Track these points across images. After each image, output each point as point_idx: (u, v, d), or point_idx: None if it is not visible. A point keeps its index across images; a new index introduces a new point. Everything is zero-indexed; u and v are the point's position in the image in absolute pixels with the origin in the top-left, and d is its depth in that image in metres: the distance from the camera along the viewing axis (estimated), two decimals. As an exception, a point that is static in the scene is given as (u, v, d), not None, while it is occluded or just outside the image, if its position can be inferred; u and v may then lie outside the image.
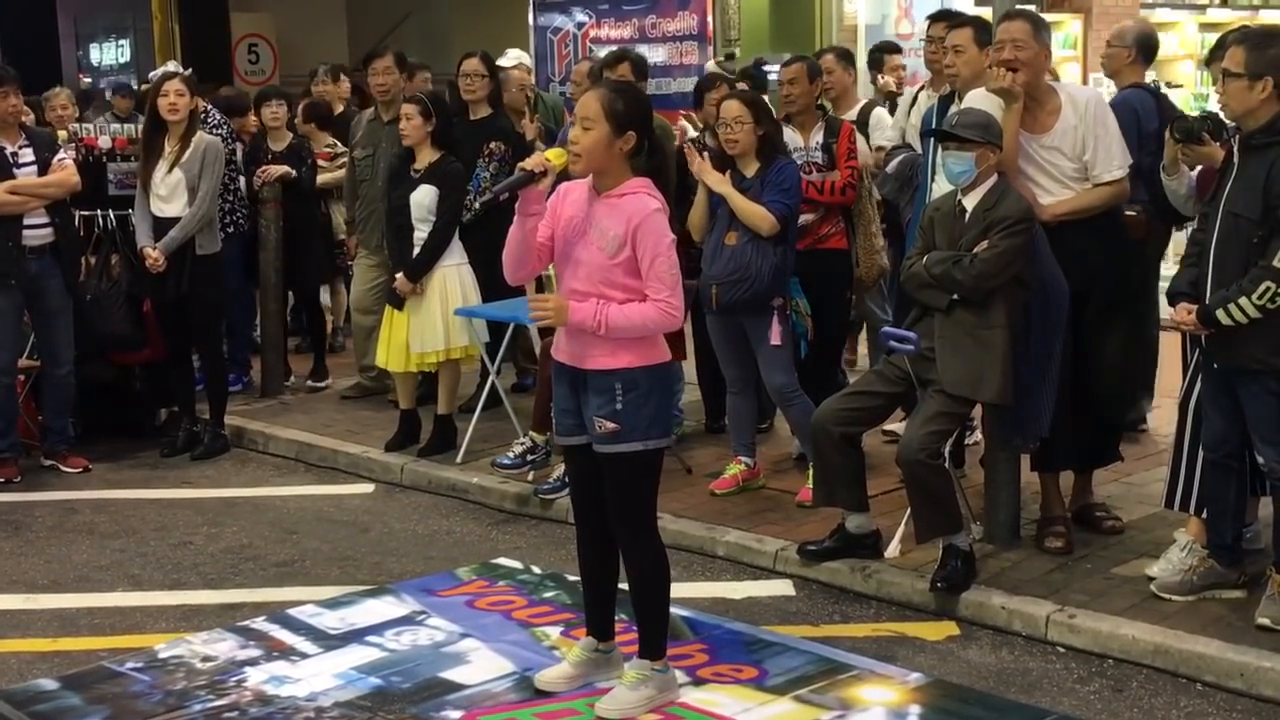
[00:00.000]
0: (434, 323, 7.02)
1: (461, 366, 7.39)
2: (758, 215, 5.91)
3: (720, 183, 6.00)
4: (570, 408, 4.39)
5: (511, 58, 9.18)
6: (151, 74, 8.76)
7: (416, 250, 7.04)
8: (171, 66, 8.46)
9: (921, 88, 6.95)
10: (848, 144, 6.48)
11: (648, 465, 4.33)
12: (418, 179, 7.06)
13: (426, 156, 7.09)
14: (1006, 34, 5.34)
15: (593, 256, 4.22)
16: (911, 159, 6.57)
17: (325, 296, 9.69)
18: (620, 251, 4.17)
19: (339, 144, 9.06)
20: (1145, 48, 6.83)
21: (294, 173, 8.52)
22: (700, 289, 6.11)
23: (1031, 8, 8.26)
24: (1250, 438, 4.76)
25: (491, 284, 7.73)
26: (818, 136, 6.51)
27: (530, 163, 4.23)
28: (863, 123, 7.52)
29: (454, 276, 7.06)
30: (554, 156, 4.24)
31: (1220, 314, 4.59)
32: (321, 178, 8.89)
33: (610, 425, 4.24)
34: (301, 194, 8.65)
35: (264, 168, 8.49)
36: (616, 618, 4.65)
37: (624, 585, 4.54)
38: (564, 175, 4.38)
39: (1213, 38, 7.66)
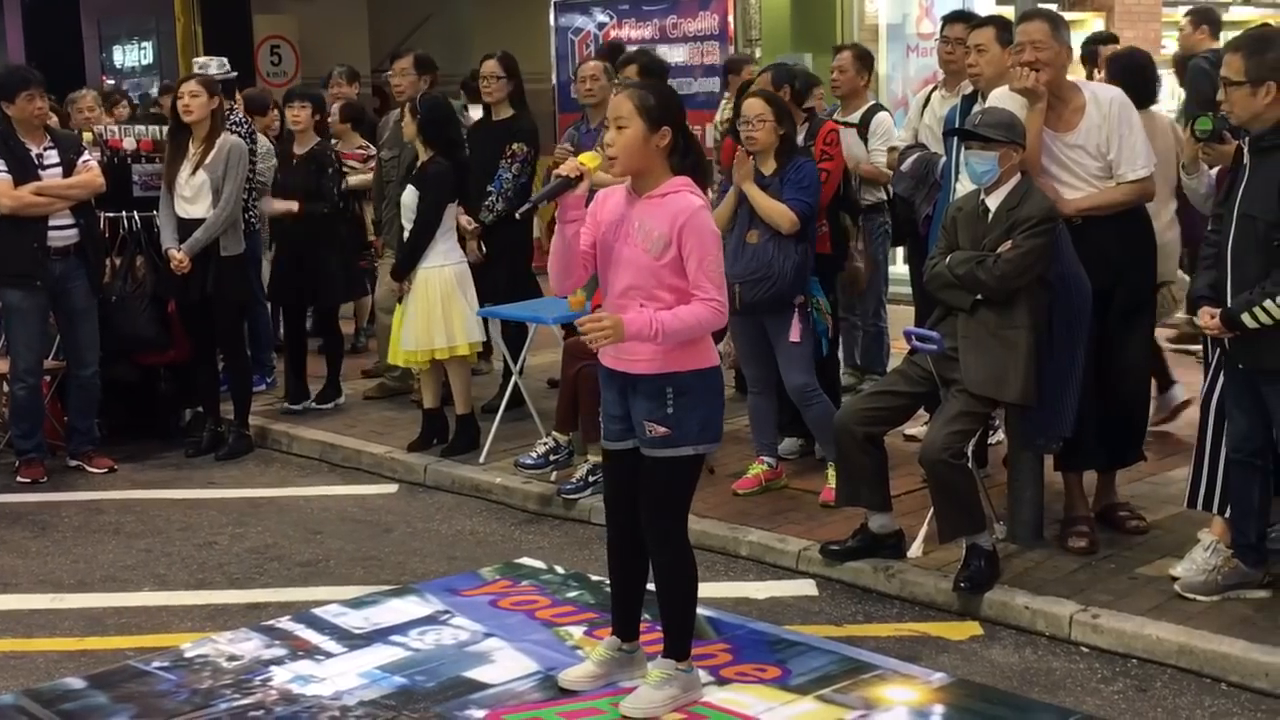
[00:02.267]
0: (414, 323, 7.09)
1: (482, 367, 7.44)
2: (778, 213, 5.92)
3: (744, 179, 6.00)
4: (619, 413, 4.37)
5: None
6: (196, 66, 8.76)
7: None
8: (209, 65, 8.49)
9: (935, 88, 6.95)
10: (821, 145, 6.43)
11: (691, 470, 4.34)
12: (410, 181, 7.12)
13: (421, 156, 7.14)
14: (1026, 35, 5.33)
15: (637, 257, 4.19)
16: (926, 157, 6.59)
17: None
18: (666, 252, 4.13)
19: (371, 145, 9.08)
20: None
21: (294, 207, 8.13)
22: (723, 288, 6.12)
23: (1052, 6, 8.24)
24: (1274, 437, 4.75)
25: (513, 284, 7.78)
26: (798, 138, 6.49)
27: (565, 168, 4.18)
28: (864, 125, 7.54)
29: (436, 278, 7.08)
30: (588, 160, 4.20)
31: (1245, 317, 4.58)
32: (353, 179, 8.86)
33: (661, 429, 4.23)
34: (320, 204, 8.19)
35: (271, 201, 8.31)
36: (641, 618, 4.67)
37: (651, 586, 4.56)
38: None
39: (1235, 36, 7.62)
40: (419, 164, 7.13)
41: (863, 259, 7.25)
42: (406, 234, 7.13)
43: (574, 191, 4.17)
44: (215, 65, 8.64)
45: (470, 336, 7.16)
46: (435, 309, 7.06)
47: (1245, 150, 4.73)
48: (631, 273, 4.20)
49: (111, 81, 18.89)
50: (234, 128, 8.18)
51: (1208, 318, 4.72)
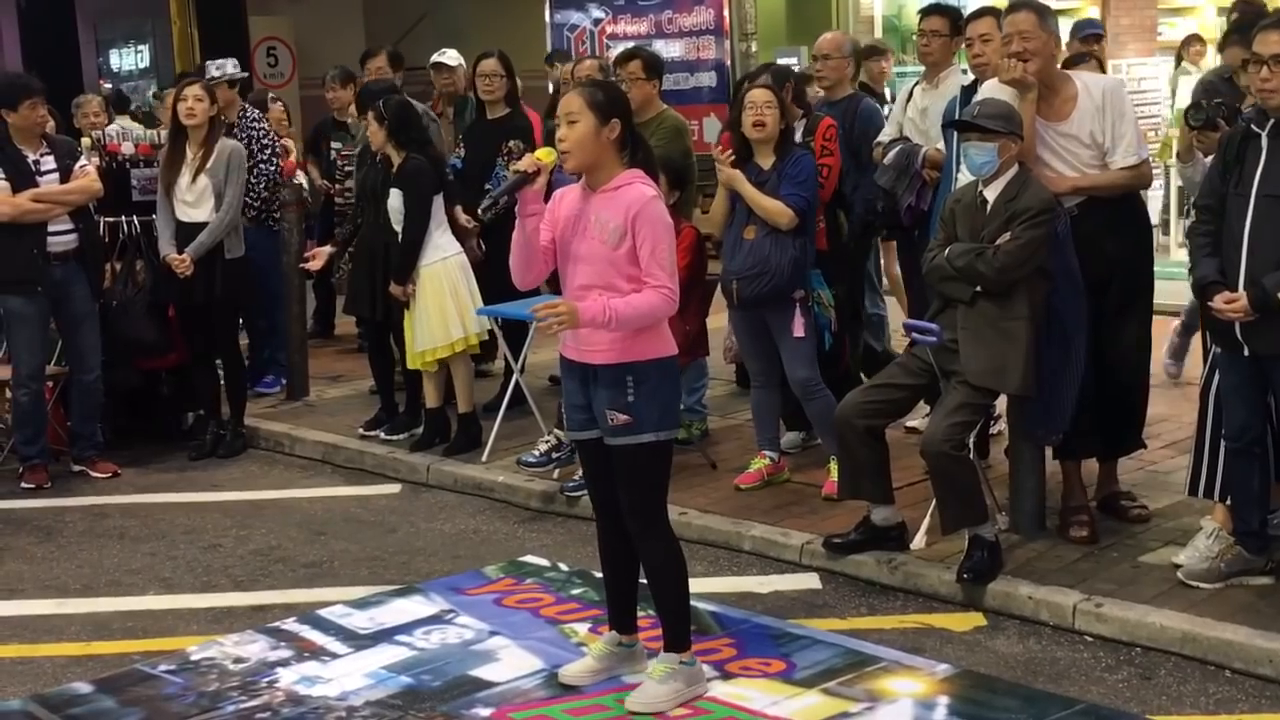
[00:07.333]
0: (427, 320, 7.08)
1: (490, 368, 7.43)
2: (775, 209, 5.92)
3: (735, 179, 6.00)
4: (580, 403, 4.43)
5: (451, 58, 9.13)
6: (214, 68, 8.75)
7: None
8: (215, 68, 8.50)
9: (916, 83, 6.94)
10: (821, 141, 6.45)
11: (659, 456, 4.38)
12: (392, 184, 7.11)
13: (395, 160, 7.13)
14: (1013, 26, 5.35)
15: (595, 250, 4.27)
16: (907, 149, 6.59)
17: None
18: (622, 242, 4.23)
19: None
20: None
21: (330, 252, 7.79)
22: (721, 284, 6.13)
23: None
24: (1277, 424, 4.75)
25: (513, 282, 7.76)
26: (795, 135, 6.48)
27: (523, 164, 4.31)
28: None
29: (439, 273, 7.08)
30: (544, 155, 4.33)
31: None
32: None
33: (623, 418, 4.29)
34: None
35: (313, 252, 7.91)
36: (643, 614, 4.68)
37: (644, 580, 4.58)
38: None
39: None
40: (396, 166, 7.11)
41: None
42: (400, 238, 7.10)
43: (531, 186, 4.28)
44: (231, 66, 8.65)
45: (478, 325, 7.18)
46: (447, 301, 7.05)
47: (1263, 134, 4.69)
48: (590, 266, 4.30)
49: (109, 85, 18.91)
50: (252, 125, 8.19)
51: (1224, 302, 4.70)
